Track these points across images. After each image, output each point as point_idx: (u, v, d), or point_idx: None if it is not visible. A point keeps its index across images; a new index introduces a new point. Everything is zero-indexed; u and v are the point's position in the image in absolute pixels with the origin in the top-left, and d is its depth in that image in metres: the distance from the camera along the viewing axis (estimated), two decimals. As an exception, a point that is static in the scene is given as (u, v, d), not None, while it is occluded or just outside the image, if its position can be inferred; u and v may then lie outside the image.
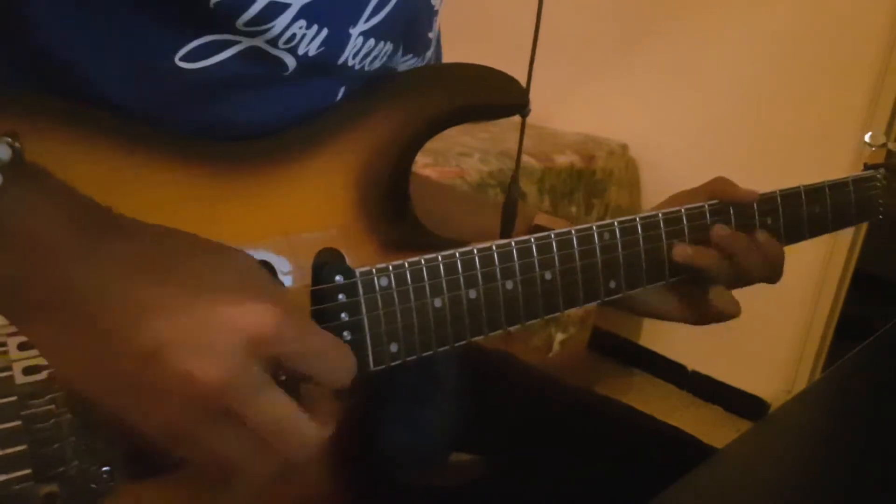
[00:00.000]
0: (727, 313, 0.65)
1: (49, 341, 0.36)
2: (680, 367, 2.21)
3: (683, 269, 0.60)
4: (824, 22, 1.76)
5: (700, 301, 0.64)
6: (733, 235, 0.61)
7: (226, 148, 0.46)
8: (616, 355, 2.31)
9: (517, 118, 0.57)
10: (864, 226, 1.84)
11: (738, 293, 0.65)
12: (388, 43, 0.53)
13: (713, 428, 2.00)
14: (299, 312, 0.42)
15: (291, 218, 0.48)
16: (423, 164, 1.60)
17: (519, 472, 0.64)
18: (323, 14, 0.47)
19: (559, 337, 1.94)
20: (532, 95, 0.55)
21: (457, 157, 1.71)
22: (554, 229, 0.54)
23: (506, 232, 0.60)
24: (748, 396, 2.08)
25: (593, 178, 1.96)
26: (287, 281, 0.47)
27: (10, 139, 0.33)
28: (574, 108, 2.22)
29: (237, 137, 0.47)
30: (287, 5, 0.44)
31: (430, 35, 0.61)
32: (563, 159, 1.88)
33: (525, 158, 1.78)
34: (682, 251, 0.59)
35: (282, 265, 0.47)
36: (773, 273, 0.63)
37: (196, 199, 0.45)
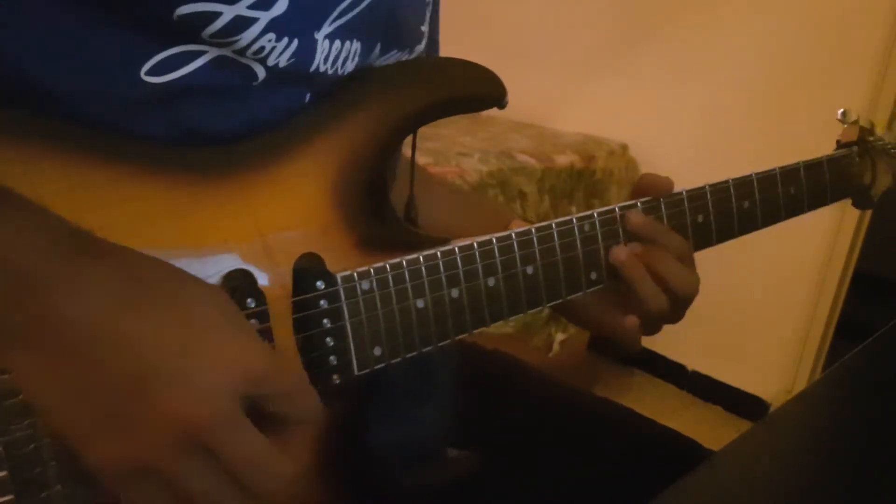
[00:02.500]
0: (625, 339, 0.59)
1: (26, 369, 0.35)
2: (680, 367, 2.21)
3: None
4: (824, 22, 1.76)
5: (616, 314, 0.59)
6: (649, 224, 0.58)
7: (199, 155, 0.45)
8: (616, 355, 2.31)
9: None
10: (865, 226, 1.84)
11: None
12: (356, 42, 0.51)
13: (713, 428, 2.00)
14: (275, 350, 0.44)
15: (271, 222, 0.47)
16: (423, 164, 1.59)
17: (518, 472, 0.64)
18: (292, 25, 0.45)
19: (559, 337, 1.93)
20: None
21: (457, 157, 1.71)
22: None
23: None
24: (748, 396, 2.07)
25: (593, 178, 1.96)
26: (267, 284, 0.46)
27: None
28: (574, 108, 2.21)
29: (206, 144, 0.46)
30: (255, 19, 0.43)
31: (423, 28, 0.58)
32: (563, 159, 1.88)
33: (525, 158, 1.79)
34: (618, 254, 0.57)
35: (261, 271, 0.46)
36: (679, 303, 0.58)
37: (172, 209, 0.43)
